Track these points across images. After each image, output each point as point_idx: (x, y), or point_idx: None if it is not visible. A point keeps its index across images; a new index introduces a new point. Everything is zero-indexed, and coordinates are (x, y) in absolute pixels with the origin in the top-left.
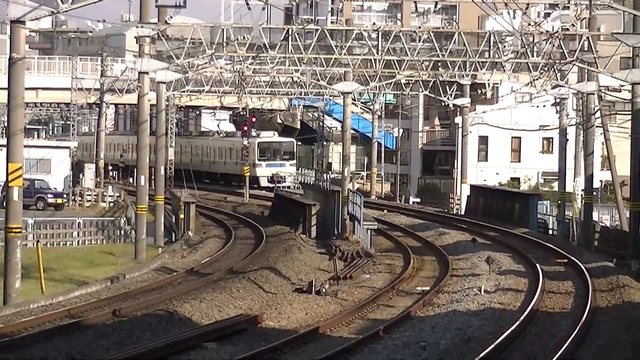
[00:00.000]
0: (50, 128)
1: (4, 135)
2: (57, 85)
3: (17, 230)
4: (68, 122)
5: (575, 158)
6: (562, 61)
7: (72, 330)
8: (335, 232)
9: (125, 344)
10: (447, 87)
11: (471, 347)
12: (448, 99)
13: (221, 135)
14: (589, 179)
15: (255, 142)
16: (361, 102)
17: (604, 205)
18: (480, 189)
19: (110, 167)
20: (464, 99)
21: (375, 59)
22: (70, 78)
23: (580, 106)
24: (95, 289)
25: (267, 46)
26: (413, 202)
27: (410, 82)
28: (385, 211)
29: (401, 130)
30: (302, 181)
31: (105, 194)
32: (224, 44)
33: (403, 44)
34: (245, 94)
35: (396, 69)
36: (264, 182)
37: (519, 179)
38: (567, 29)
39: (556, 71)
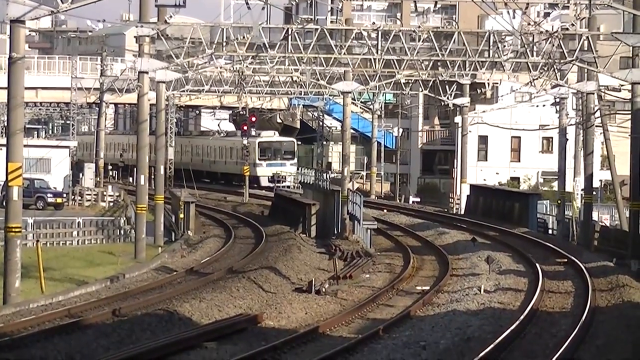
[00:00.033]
0: (50, 127)
1: (4, 135)
2: (57, 85)
3: (16, 229)
4: (68, 122)
5: (575, 158)
6: (561, 61)
7: (71, 330)
8: (335, 232)
9: (125, 344)
10: (447, 87)
11: (471, 346)
12: (448, 98)
13: (222, 134)
14: (589, 178)
15: (255, 142)
16: (361, 102)
17: (603, 204)
18: (480, 189)
19: (110, 167)
20: (463, 98)
21: (374, 59)
22: (70, 77)
23: (580, 106)
24: (95, 289)
25: (267, 46)
26: (413, 202)
27: (410, 81)
28: (385, 211)
29: (401, 130)
30: (302, 181)
31: (105, 193)
32: (224, 44)
33: (403, 43)
34: (245, 93)
35: (396, 68)
36: (264, 182)
37: (518, 178)
38: (567, 29)
39: (556, 71)
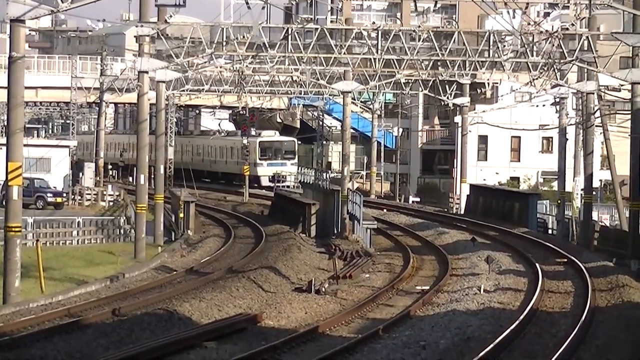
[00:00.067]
0: (50, 127)
1: (4, 134)
2: (57, 84)
3: (16, 229)
4: (68, 121)
5: (575, 157)
6: (561, 61)
7: (71, 330)
8: (335, 232)
9: (124, 343)
10: (447, 87)
11: (471, 346)
12: (448, 98)
13: (222, 134)
14: (589, 178)
15: (256, 142)
16: (361, 102)
17: (603, 204)
18: (479, 189)
19: (109, 166)
20: (463, 98)
21: (374, 58)
22: (70, 77)
23: (579, 106)
24: (95, 288)
25: (267, 45)
26: (412, 202)
27: (409, 81)
28: (385, 210)
29: (401, 130)
30: (302, 180)
31: (104, 193)
32: (224, 43)
33: (403, 43)
34: (244, 93)
35: (396, 68)
36: (265, 182)
37: (518, 178)
38: (567, 29)
39: (556, 71)
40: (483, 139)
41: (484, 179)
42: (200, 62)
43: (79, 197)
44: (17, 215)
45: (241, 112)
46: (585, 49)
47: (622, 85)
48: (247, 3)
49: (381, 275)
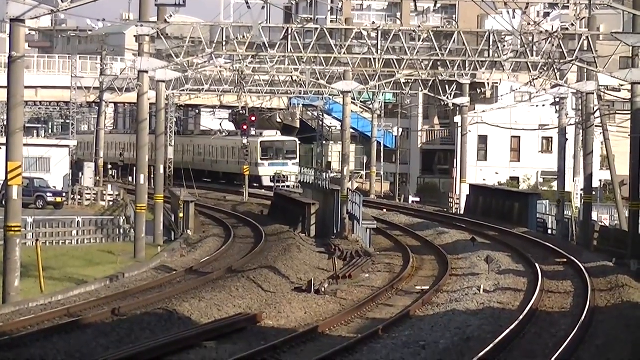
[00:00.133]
0: (50, 127)
1: (4, 134)
2: (57, 84)
3: (16, 228)
4: (67, 121)
5: (575, 157)
6: (561, 61)
7: (71, 329)
8: (335, 232)
9: (124, 343)
10: (447, 87)
11: (470, 346)
12: (447, 98)
13: (223, 134)
14: (589, 178)
15: (257, 141)
16: (360, 101)
17: (603, 204)
18: (479, 189)
19: (109, 166)
20: (463, 98)
21: (374, 58)
22: (70, 77)
23: (579, 106)
24: (95, 288)
25: (267, 45)
26: (412, 202)
27: (409, 81)
28: (385, 210)
29: (401, 130)
30: (302, 180)
31: (104, 192)
32: (224, 43)
33: (402, 43)
34: (244, 92)
35: (396, 68)
36: (266, 182)
37: (518, 178)
38: (567, 29)
39: (556, 71)
40: (483, 139)
41: (484, 179)
42: (200, 62)
43: (79, 197)
44: (17, 215)
45: (241, 112)
46: (585, 49)
47: (621, 86)
48: (247, 3)
49: (381, 275)
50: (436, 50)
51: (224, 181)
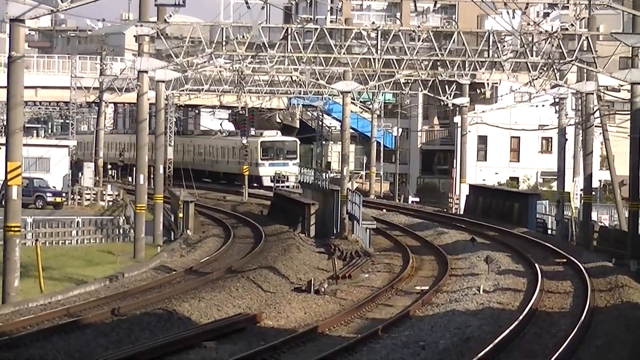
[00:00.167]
0: (50, 127)
1: (4, 134)
2: (57, 84)
3: (16, 229)
4: (67, 121)
5: (575, 158)
6: (561, 61)
7: (71, 329)
8: (334, 232)
9: (124, 343)
10: (447, 87)
11: (470, 346)
12: (447, 98)
13: (224, 134)
14: (588, 178)
15: (258, 142)
16: (360, 102)
17: (603, 205)
18: (479, 189)
19: (109, 166)
20: (463, 98)
21: (374, 58)
22: (70, 77)
23: (579, 106)
24: (94, 288)
25: (267, 45)
26: (412, 202)
27: (409, 81)
28: (384, 210)
29: (400, 130)
30: (302, 180)
31: (104, 192)
32: (223, 43)
33: (402, 43)
34: (244, 93)
35: (395, 68)
36: (266, 182)
37: (518, 178)
38: (567, 29)
39: (555, 71)
40: (482, 139)
41: (484, 179)
42: (199, 62)
43: (79, 197)
44: (17, 215)
45: (240, 112)
46: (585, 49)
47: (621, 86)
48: (246, 3)
49: (380, 275)
50: (436, 51)
51: (225, 181)
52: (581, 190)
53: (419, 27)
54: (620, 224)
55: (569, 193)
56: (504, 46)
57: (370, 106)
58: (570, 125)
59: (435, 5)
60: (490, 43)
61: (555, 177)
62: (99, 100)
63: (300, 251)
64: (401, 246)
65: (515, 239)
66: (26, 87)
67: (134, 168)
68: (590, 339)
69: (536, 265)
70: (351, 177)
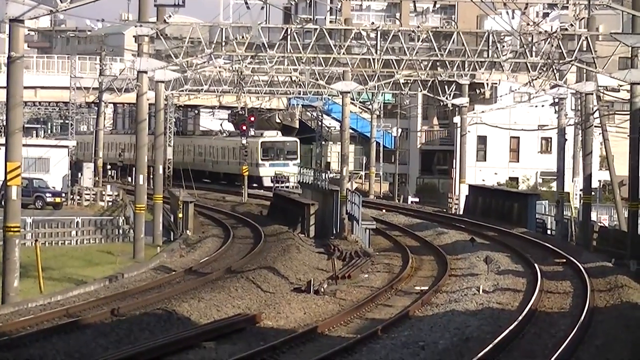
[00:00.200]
0: (49, 127)
1: (3, 134)
2: (56, 84)
3: (15, 229)
4: (67, 121)
5: (574, 158)
6: (560, 61)
7: (70, 330)
8: (334, 232)
9: (123, 343)
10: (446, 87)
11: (470, 346)
12: (447, 98)
13: (224, 135)
14: (588, 178)
15: (258, 142)
16: (360, 102)
17: (602, 205)
18: (478, 189)
19: (109, 166)
20: (462, 98)
21: (374, 59)
22: (69, 77)
23: (578, 106)
24: (94, 288)
25: (266, 45)
26: (411, 202)
27: (409, 81)
28: (384, 211)
29: (400, 130)
30: (301, 180)
31: (103, 193)
32: (223, 43)
33: (402, 43)
34: (244, 93)
35: (395, 68)
36: (267, 182)
37: (517, 178)
38: (566, 29)
39: (555, 71)
40: (482, 140)
41: (483, 180)
42: (199, 62)
43: (78, 197)
44: (16, 215)
45: (240, 112)
46: (584, 49)
47: (621, 86)
48: (246, 3)
49: (380, 275)
50: (435, 51)
51: (225, 182)
52: (581, 190)
53: (418, 27)
54: (619, 224)
55: (569, 193)
56: (504, 46)
57: (370, 106)
58: (569, 125)
59: (434, 6)
60: (490, 43)
61: (555, 177)
62: (98, 101)
63: (300, 251)
64: (401, 246)
65: (514, 239)
66: (26, 88)
67: (134, 168)
68: (589, 339)
69: (536, 265)
70: (351, 177)
